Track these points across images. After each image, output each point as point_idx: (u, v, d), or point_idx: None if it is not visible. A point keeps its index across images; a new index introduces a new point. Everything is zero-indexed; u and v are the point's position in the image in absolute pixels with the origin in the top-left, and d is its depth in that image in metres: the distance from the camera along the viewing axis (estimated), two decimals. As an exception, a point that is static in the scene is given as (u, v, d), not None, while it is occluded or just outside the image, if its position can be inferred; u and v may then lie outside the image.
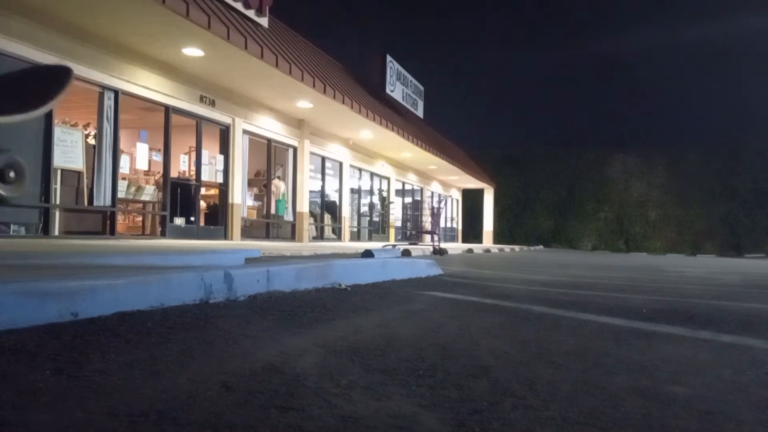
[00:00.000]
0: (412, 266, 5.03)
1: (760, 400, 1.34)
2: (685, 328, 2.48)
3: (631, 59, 66.94)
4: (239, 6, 9.67)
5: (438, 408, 1.19)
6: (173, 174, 10.91)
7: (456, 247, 16.73)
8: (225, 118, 11.60)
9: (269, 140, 13.37)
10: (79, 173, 8.66)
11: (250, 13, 10.05)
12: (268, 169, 13.74)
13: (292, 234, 14.44)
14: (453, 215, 29.29)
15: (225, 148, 11.84)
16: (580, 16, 72.16)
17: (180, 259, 4.68)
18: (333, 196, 17.35)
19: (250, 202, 13.60)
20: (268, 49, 9.69)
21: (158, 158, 11.02)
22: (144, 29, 8.21)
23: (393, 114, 17.44)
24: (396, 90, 19.24)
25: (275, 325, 2.15)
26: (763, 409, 1.27)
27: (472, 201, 30.99)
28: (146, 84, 9.48)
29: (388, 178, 21.22)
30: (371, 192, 20.43)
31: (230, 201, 11.76)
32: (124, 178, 9.98)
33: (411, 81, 20.81)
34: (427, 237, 15.13)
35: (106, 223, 9.05)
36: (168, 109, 10.18)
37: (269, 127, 13.05)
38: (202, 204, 11.96)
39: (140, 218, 11.02)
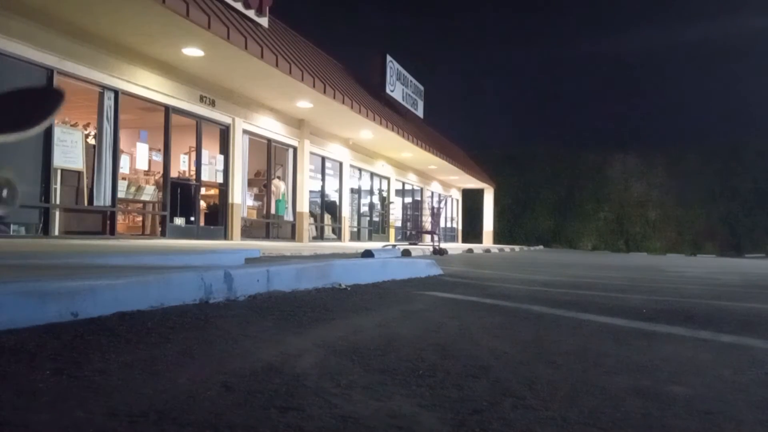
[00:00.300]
0: (412, 266, 5.03)
1: (760, 400, 1.34)
2: (685, 328, 2.48)
3: (631, 59, 66.97)
4: (239, 6, 9.67)
5: (438, 408, 1.19)
6: (173, 174, 10.90)
7: (456, 247, 16.73)
8: (225, 118, 11.60)
9: (269, 140, 13.37)
10: (79, 173, 8.66)
11: (250, 13, 10.05)
12: (268, 169, 13.74)
13: (292, 234, 14.44)
14: (453, 215, 29.29)
15: (225, 148, 11.84)
16: (581, 16, 72.17)
17: (180, 259, 4.68)
18: (333, 196, 17.35)
19: (250, 202, 13.60)
20: (268, 49, 9.69)
21: (158, 158, 11.02)
22: (144, 29, 8.21)
23: (393, 114, 17.44)
24: (396, 90, 19.24)
25: (275, 325, 2.15)
26: (763, 409, 1.27)
27: (472, 201, 30.99)
28: (146, 84, 9.48)
29: (388, 178, 21.22)
30: (371, 192, 20.43)
31: (230, 201, 11.76)
32: (124, 178, 9.98)
33: (411, 81, 20.81)
34: (427, 237, 15.13)
35: (106, 223, 9.05)
36: (168, 109, 10.17)
37: (269, 127, 13.05)
38: (202, 204, 11.96)
39: (140, 218, 11.01)
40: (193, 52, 9.11)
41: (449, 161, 21.25)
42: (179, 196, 10.81)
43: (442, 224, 16.90)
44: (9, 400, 1.15)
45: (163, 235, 10.22)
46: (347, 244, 13.94)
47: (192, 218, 11.11)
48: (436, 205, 13.34)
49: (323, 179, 16.55)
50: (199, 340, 1.81)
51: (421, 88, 22.06)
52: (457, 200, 30.29)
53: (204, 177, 11.42)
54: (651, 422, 1.15)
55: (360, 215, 19.53)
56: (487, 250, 17.43)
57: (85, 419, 1.04)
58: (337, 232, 17.31)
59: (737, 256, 25.51)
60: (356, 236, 18.94)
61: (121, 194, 9.41)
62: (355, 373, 1.47)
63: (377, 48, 19.04)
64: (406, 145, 17.48)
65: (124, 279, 2.28)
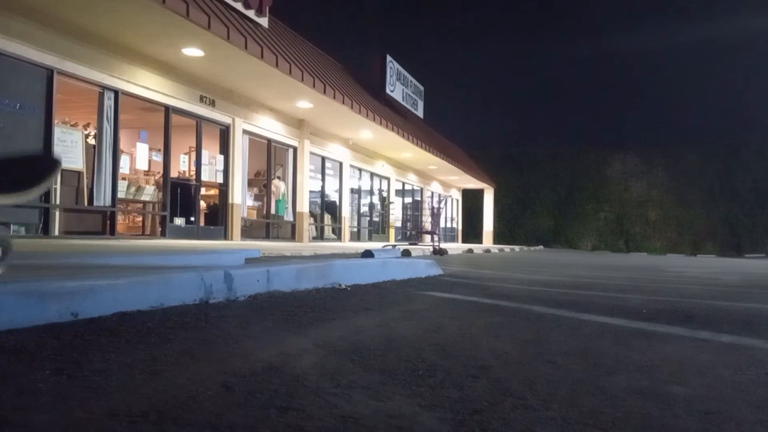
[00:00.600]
0: (412, 266, 5.03)
1: (760, 400, 1.34)
2: (685, 328, 2.48)
3: (632, 59, 66.94)
4: (239, 6, 9.67)
5: (438, 408, 1.19)
6: (173, 174, 10.91)
7: (456, 247, 16.73)
8: (225, 118, 11.60)
9: (269, 140, 13.37)
10: (79, 173, 8.66)
11: (250, 13, 10.06)
12: (268, 169, 13.75)
13: (292, 234, 14.44)
14: (453, 215, 29.29)
15: (225, 148, 11.84)
16: (581, 16, 72.15)
17: (180, 259, 4.68)
18: (333, 196, 17.35)
19: (250, 202, 13.60)
20: (268, 49, 9.70)
21: (158, 158, 11.02)
22: (144, 29, 8.21)
23: (393, 114, 17.44)
24: (396, 90, 19.24)
25: (275, 325, 2.15)
26: (763, 409, 1.27)
27: (472, 201, 30.99)
28: (146, 84, 9.48)
29: (388, 178, 21.22)
30: (371, 192, 20.43)
31: (230, 201, 11.76)
32: (124, 178, 9.98)
33: (411, 81, 20.82)
34: (427, 237, 15.13)
35: (106, 223, 9.05)
36: (168, 109, 10.18)
37: (269, 127, 13.05)
38: (202, 204, 11.96)
39: (140, 218, 11.01)
40: (193, 52, 9.11)
41: (449, 161, 21.25)
42: (179, 196, 10.81)
43: (442, 224, 16.90)
44: (9, 400, 1.15)
45: (163, 235, 10.22)
46: (347, 245, 13.94)
47: (192, 218, 11.11)
48: (436, 205, 13.34)
49: (323, 179, 16.55)
50: (199, 340, 1.81)
51: (421, 88, 22.07)
52: (457, 200, 30.30)
53: (204, 177, 11.42)
54: (651, 422, 1.15)
55: (360, 215, 19.53)
56: (487, 251, 17.43)
57: (85, 419, 1.04)
58: (337, 233, 17.31)
59: (737, 256, 25.51)
60: (356, 236, 18.94)
61: (121, 194, 9.41)
62: (355, 373, 1.47)
63: (377, 48, 19.05)
64: (406, 145, 17.48)
65: (124, 279, 2.28)
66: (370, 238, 19.77)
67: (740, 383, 1.50)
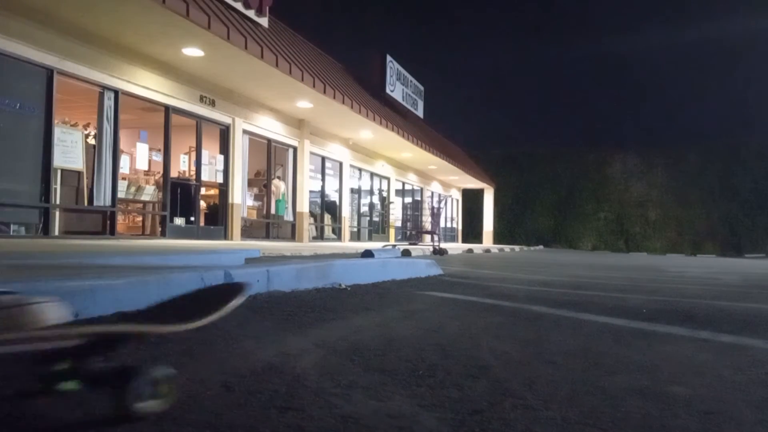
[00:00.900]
0: (412, 266, 5.03)
1: (760, 400, 1.34)
2: (685, 328, 2.48)
3: (632, 59, 66.95)
4: (239, 6, 9.67)
5: (438, 408, 1.19)
6: (173, 174, 10.91)
7: (456, 247, 16.73)
8: (225, 118, 11.60)
9: (269, 140, 13.37)
10: (79, 173, 8.66)
11: (250, 13, 10.06)
12: (268, 169, 13.75)
13: (292, 234, 14.44)
14: (453, 215, 29.29)
15: (225, 148, 11.85)
16: (581, 16, 72.15)
17: (180, 259, 4.68)
18: (333, 196, 17.36)
19: (250, 202, 13.60)
20: (268, 49, 9.70)
21: (158, 158, 11.02)
22: (144, 29, 8.21)
23: (393, 114, 17.44)
24: (396, 90, 19.24)
25: (275, 325, 2.15)
26: (763, 409, 1.28)
27: (472, 201, 31.00)
28: (146, 84, 9.48)
29: (388, 178, 21.23)
30: (371, 192, 20.43)
31: (230, 201, 11.77)
32: (124, 178, 9.97)
33: (411, 81, 20.82)
34: (427, 237, 15.13)
35: (106, 223, 9.04)
36: (168, 109, 10.18)
37: (269, 127, 13.05)
38: (202, 204, 11.96)
39: (140, 218, 11.01)
40: (193, 52, 9.11)
41: (449, 161, 21.26)
42: (179, 196, 10.81)
43: (442, 224, 16.90)
44: (9, 400, 1.16)
45: (163, 235, 10.22)
46: (347, 244, 13.94)
47: (192, 218, 11.11)
48: (436, 205, 13.34)
49: (323, 179, 16.56)
50: (199, 340, 1.81)
51: (421, 88, 22.07)
52: (457, 200, 30.30)
53: (204, 177, 11.42)
54: (651, 422, 1.15)
55: (360, 215, 19.53)
56: (487, 250, 17.42)
57: (85, 419, 1.04)
58: (337, 232, 17.32)
59: (737, 256, 25.51)
60: (356, 236, 18.94)
61: (121, 194, 9.41)
62: (355, 373, 1.47)
63: (377, 48, 19.04)
64: (406, 145, 17.48)
65: (124, 279, 2.28)
66: (370, 238, 19.77)
67: (740, 383, 1.50)
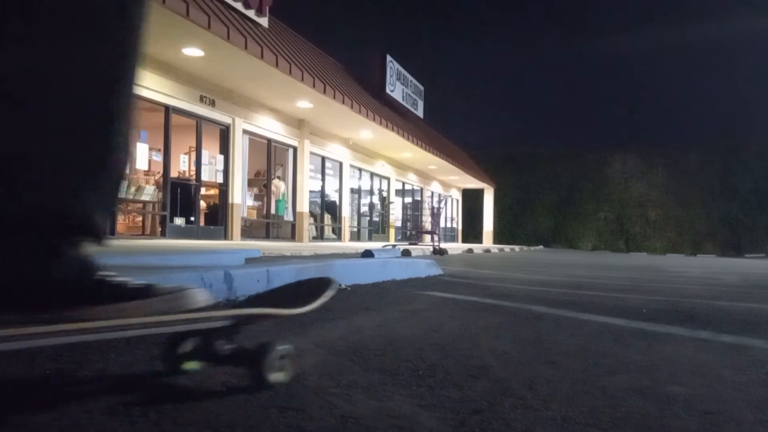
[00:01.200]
0: (412, 266, 5.03)
1: (760, 400, 1.34)
2: (685, 328, 2.48)
3: (632, 59, 66.94)
4: (239, 6, 9.67)
5: (438, 408, 1.19)
6: (173, 174, 10.91)
7: (456, 247, 16.73)
8: (225, 118, 11.60)
9: (269, 140, 13.37)
10: (79, 173, 8.65)
11: (250, 13, 10.06)
12: (268, 169, 13.75)
13: (292, 234, 14.44)
14: (453, 215, 29.30)
15: (225, 148, 11.85)
16: (581, 16, 72.14)
17: (180, 259, 4.68)
18: (333, 196, 17.36)
19: (250, 202, 13.61)
20: (268, 49, 9.70)
21: (158, 158, 11.02)
22: (144, 29, 8.21)
23: (393, 114, 17.44)
24: (396, 90, 19.25)
25: (275, 325, 2.15)
26: (763, 409, 1.27)
27: (472, 201, 31.01)
28: (146, 84, 9.48)
29: (388, 178, 21.23)
30: (371, 192, 20.43)
31: (230, 201, 11.77)
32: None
33: (411, 81, 20.83)
34: (427, 237, 15.13)
35: (105, 223, 9.04)
36: (168, 109, 10.18)
37: (269, 127, 13.05)
38: (202, 204, 11.96)
39: (140, 218, 11.02)
40: (193, 52, 9.11)
41: (449, 161, 21.26)
42: (179, 196, 10.82)
43: (442, 224, 16.89)
44: (9, 400, 1.16)
45: (163, 235, 10.22)
46: (347, 244, 13.95)
47: (192, 218, 11.11)
48: (436, 205, 13.35)
49: (323, 179, 16.56)
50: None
51: (421, 88, 22.08)
52: (457, 200, 30.31)
53: (204, 177, 11.42)
54: (651, 422, 1.15)
55: (360, 215, 19.53)
56: (487, 250, 17.43)
57: (85, 419, 1.04)
58: (337, 232, 17.31)
59: (737, 256, 25.52)
60: (356, 236, 18.94)
61: (120, 194, 9.41)
62: (355, 373, 1.47)
63: (377, 48, 19.05)
64: (406, 145, 17.48)
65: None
66: (370, 238, 19.77)
67: (740, 383, 1.50)
